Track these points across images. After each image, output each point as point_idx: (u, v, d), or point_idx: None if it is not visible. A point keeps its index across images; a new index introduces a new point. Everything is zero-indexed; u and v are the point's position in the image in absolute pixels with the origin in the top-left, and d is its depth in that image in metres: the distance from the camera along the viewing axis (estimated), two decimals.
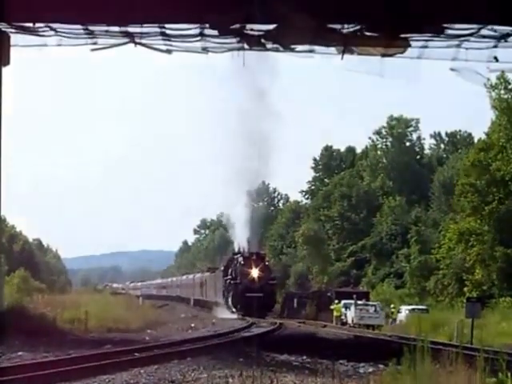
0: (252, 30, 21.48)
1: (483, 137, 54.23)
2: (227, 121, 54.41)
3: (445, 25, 20.81)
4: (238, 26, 21.27)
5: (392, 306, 49.61)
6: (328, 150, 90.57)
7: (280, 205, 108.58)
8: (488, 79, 40.86)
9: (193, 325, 35.73)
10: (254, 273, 49.51)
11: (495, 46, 21.68)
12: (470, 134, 79.79)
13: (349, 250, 75.40)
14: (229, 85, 50.00)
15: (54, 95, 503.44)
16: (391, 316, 47.01)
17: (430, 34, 21.25)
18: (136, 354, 17.71)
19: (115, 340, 23.09)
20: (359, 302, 45.09)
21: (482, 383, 9.39)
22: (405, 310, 46.25)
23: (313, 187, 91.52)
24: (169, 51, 22.90)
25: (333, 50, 22.38)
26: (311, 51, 22.46)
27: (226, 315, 48.16)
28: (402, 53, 22.20)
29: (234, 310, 50.17)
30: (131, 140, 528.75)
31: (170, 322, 38.81)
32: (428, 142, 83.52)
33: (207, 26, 21.30)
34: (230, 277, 52.19)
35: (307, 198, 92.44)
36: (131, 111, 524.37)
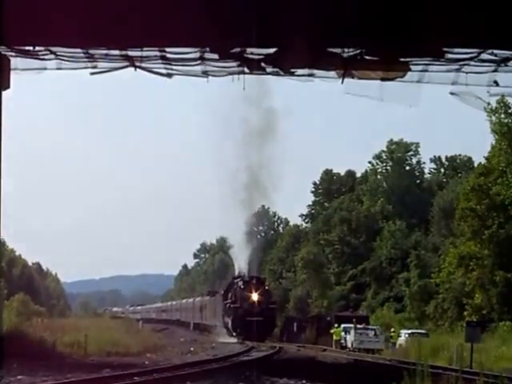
0: (252, 53, 21.57)
1: (483, 161, 54.29)
2: (227, 145, 54.61)
3: (445, 49, 20.90)
4: (238, 49, 21.35)
5: (392, 329, 49.48)
6: (328, 173, 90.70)
7: (280, 229, 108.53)
8: (488, 103, 40.82)
9: (192, 349, 35.82)
10: (254, 297, 49.56)
11: (495, 70, 21.79)
12: (469, 159, 79.89)
13: (348, 274, 75.25)
14: (229, 108, 50.35)
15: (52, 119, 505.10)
16: (391, 340, 46.82)
17: (430, 58, 21.36)
18: (135, 378, 17.82)
19: (114, 364, 23.23)
20: (359, 326, 45.02)
21: None
22: (404, 334, 46.06)
23: (313, 211, 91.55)
24: (169, 75, 22.99)
25: (333, 73, 22.46)
26: (311, 75, 22.56)
27: (225, 339, 48.30)
28: (402, 77, 22.26)
29: (233, 333, 50.22)
30: (131, 163, 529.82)
31: (170, 345, 38.86)
32: (428, 166, 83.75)
33: (207, 49, 21.38)
34: (229, 301, 52.16)
35: (307, 222, 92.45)
36: (130, 134, 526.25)
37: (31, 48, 21.79)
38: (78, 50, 21.71)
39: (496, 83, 22.13)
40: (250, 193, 54.45)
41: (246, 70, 22.26)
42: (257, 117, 50.85)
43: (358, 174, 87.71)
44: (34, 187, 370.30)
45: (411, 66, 21.93)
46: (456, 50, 20.94)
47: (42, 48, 21.67)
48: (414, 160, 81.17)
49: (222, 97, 43.43)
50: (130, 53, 21.66)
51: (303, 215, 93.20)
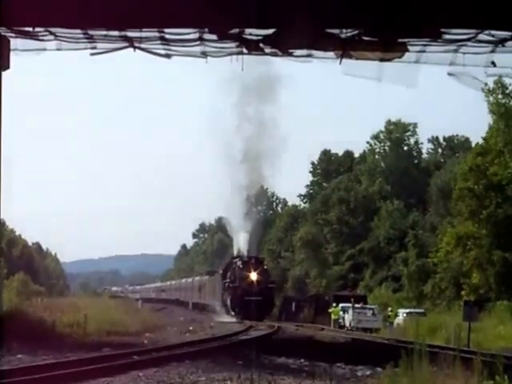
0: (251, 34, 21.62)
1: (481, 141, 54.37)
2: (227, 124, 54.76)
3: (442, 30, 20.95)
4: (236, 30, 21.41)
5: (389, 309, 49.73)
6: (326, 154, 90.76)
7: (278, 209, 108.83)
8: (485, 84, 40.95)
9: (191, 328, 35.76)
10: (253, 276, 49.75)
11: (493, 51, 21.81)
12: (467, 139, 80.00)
13: (347, 254, 75.55)
14: (229, 89, 50.38)
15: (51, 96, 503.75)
16: (389, 319, 46.79)
17: (427, 39, 21.40)
18: (135, 356, 17.79)
19: (114, 343, 23.16)
20: (357, 306, 45.21)
21: None
22: (402, 313, 46.33)
23: (311, 191, 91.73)
24: (168, 56, 23.04)
25: (331, 54, 22.53)
26: (309, 56, 22.63)
27: (224, 318, 48.40)
28: (399, 57, 22.33)
29: (232, 313, 50.37)
30: (131, 144, 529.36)
31: (169, 325, 38.80)
32: (426, 147, 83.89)
33: (206, 30, 21.43)
34: (228, 280, 52.43)
35: (305, 202, 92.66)
36: (130, 114, 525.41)
37: (31, 29, 21.86)
38: (78, 31, 21.78)
39: (493, 64, 22.18)
40: (249, 173, 54.57)
41: (245, 50, 22.34)
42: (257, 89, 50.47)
43: (356, 155, 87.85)
44: (34, 167, 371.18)
45: (409, 47, 21.99)
46: (453, 30, 21.00)
47: (41, 29, 21.73)
48: (412, 140, 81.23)
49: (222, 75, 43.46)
50: (129, 33, 21.73)
51: (301, 195, 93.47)
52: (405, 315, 45.02)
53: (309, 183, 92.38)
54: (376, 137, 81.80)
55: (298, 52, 22.52)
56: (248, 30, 21.43)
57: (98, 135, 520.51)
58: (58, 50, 22.91)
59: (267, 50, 22.61)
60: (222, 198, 62.32)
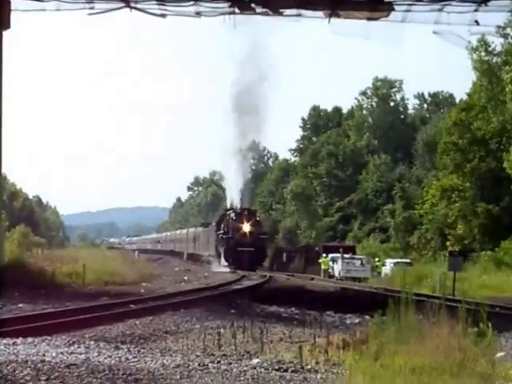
0: None
1: (465, 97, 55.18)
2: (219, 81, 55.14)
3: None
4: None
5: (377, 259, 50.45)
6: (316, 109, 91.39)
7: (270, 163, 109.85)
8: (469, 42, 41.48)
9: (186, 278, 35.80)
10: (246, 228, 49.65)
11: (476, 10, 22.50)
12: (451, 95, 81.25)
13: (336, 206, 76.50)
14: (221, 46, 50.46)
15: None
16: (376, 269, 47.37)
17: None
18: (132, 305, 18.15)
19: (111, 293, 23.33)
20: (346, 256, 45.33)
21: (463, 333, 9.70)
22: (389, 263, 46.62)
23: (301, 146, 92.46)
24: (163, 15, 23.76)
25: (320, 14, 23.31)
26: (299, 15, 23.43)
27: (218, 268, 48.49)
28: (386, 16, 23.15)
29: (225, 263, 50.30)
30: (129, 98, 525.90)
31: (164, 275, 38.77)
32: (412, 103, 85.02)
33: None
34: (222, 231, 52.24)
35: (296, 156, 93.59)
36: (129, 71, 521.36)
37: None
38: None
39: (477, 22, 22.89)
40: (241, 128, 54.84)
41: (237, 10, 23.14)
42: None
43: (345, 110, 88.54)
44: (33, 123, 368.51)
45: (395, 6, 22.77)
46: None
47: None
48: (398, 96, 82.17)
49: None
50: None
51: (292, 150, 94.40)
52: (392, 265, 45.27)
53: (299, 138, 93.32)
54: (364, 93, 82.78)
55: (287, 12, 23.30)
56: None
57: (97, 88, 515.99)
58: (57, 10, 23.62)
59: (258, 10, 23.38)
60: (215, 151, 62.79)
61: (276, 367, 9.39)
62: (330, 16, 23.02)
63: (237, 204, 54.86)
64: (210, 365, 9.40)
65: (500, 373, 9.11)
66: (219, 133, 55.89)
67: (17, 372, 8.29)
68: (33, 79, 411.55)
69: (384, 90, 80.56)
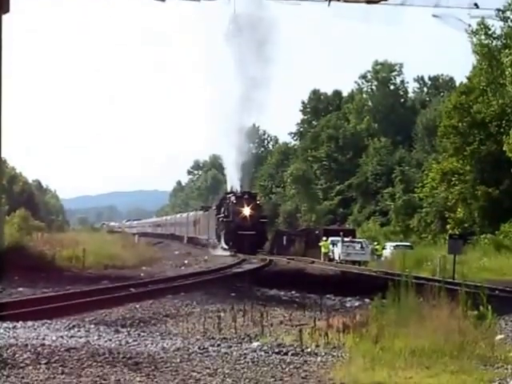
0: None
1: (465, 80, 55.05)
2: (220, 64, 54.88)
3: None
4: None
5: (376, 243, 50.42)
6: (316, 93, 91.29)
7: (270, 146, 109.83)
8: (469, 25, 41.32)
9: (186, 261, 35.96)
10: (246, 211, 49.58)
11: None
12: (451, 78, 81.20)
13: (336, 190, 76.60)
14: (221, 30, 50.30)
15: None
16: (376, 253, 47.17)
17: None
18: (132, 289, 18.34)
19: (112, 276, 23.63)
20: (346, 239, 45.29)
21: (463, 316, 9.85)
22: (390, 246, 46.69)
23: (301, 129, 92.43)
24: None
25: None
26: None
27: (218, 252, 48.53)
28: (386, 0, 23.14)
29: (226, 246, 50.24)
30: (129, 80, 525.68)
31: (165, 258, 39.07)
32: (411, 86, 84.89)
33: None
34: (222, 215, 52.23)
35: (296, 140, 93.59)
36: (130, 53, 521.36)
37: None
38: None
39: (476, 6, 22.93)
40: (241, 112, 54.71)
41: None
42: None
43: (345, 94, 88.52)
44: (32, 107, 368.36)
45: None
46: None
47: None
48: (398, 80, 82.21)
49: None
50: None
51: (292, 133, 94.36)
52: (392, 248, 45.34)
53: (299, 121, 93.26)
54: (363, 76, 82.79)
55: None
56: None
57: (97, 70, 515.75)
58: None
59: None
60: (216, 135, 62.60)
61: (276, 350, 9.46)
62: None
63: (237, 188, 54.75)
64: (211, 348, 9.48)
65: (500, 355, 9.17)
66: (219, 116, 55.62)
67: (17, 356, 8.35)
68: (33, 63, 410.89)
69: (384, 73, 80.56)
